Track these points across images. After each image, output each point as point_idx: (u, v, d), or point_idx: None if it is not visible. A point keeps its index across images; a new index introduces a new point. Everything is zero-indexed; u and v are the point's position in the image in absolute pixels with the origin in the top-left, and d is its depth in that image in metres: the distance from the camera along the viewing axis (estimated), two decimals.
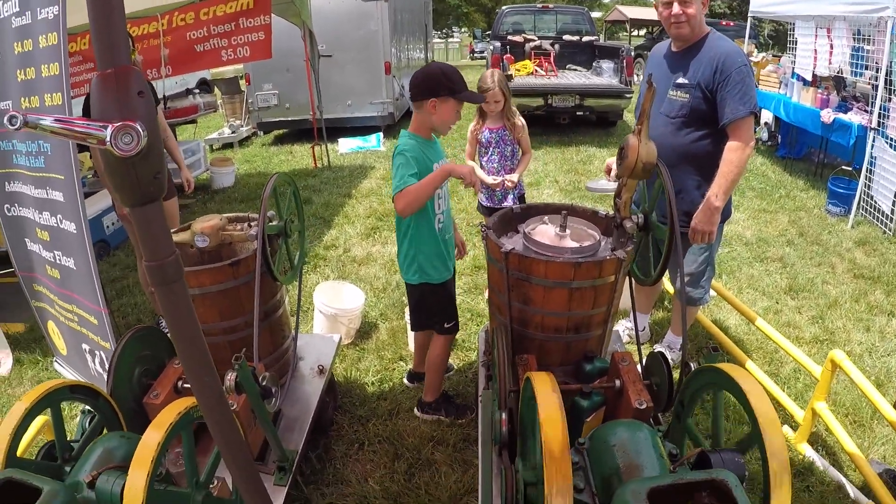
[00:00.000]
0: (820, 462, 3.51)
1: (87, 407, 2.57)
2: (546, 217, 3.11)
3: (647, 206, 2.96)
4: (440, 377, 3.82)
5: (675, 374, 2.60)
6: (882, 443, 3.76)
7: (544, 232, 3.02)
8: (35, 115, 1.00)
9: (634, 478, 1.88)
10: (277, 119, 12.07)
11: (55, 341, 4.34)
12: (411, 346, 4.55)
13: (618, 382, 2.69)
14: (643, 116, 2.66)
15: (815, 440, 3.71)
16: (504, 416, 2.41)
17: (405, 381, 4.18)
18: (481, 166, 5.02)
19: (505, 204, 4.81)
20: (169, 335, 3.24)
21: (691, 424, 2.40)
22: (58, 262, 3.75)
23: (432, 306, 3.57)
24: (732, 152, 3.47)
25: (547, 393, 1.97)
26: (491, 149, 4.92)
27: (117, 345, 2.72)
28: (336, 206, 8.11)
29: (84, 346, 3.91)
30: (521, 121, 4.89)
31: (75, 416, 3.80)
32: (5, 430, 2.17)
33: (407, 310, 4.51)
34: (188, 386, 2.79)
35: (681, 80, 3.61)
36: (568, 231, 2.97)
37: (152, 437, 1.97)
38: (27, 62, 3.47)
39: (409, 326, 4.58)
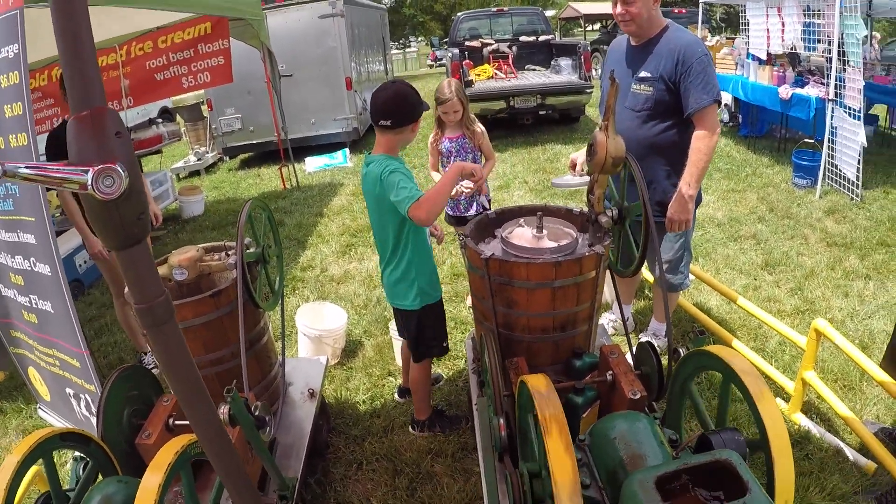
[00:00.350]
0: (816, 429, 3.57)
1: (79, 453, 2.53)
2: (522, 220, 3.12)
3: (623, 200, 2.99)
4: (427, 395, 3.79)
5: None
6: (874, 403, 3.83)
7: (521, 235, 3.03)
8: (12, 164, 0.98)
9: (639, 468, 1.89)
10: (242, 143, 12.00)
11: (37, 387, 4.26)
12: (398, 361, 4.54)
13: (609, 375, 2.70)
14: (608, 112, 2.68)
15: (808, 409, 3.77)
16: (501, 421, 2.41)
17: (396, 396, 4.16)
18: None
19: (470, 212, 4.79)
20: (155, 372, 3.22)
21: (702, 407, 2.41)
22: (34, 306, 3.69)
23: (433, 327, 3.49)
24: (700, 140, 3.52)
25: (544, 394, 1.98)
26: (452, 158, 4.83)
27: (103, 387, 2.68)
28: (309, 226, 8.07)
29: (68, 390, 3.85)
30: (480, 127, 4.83)
31: (65, 462, 3.75)
32: None
33: (392, 325, 4.51)
34: (181, 423, 2.76)
35: (643, 74, 3.65)
36: (545, 231, 2.98)
37: (152, 479, 1.94)
38: None
39: (393, 341, 4.58)
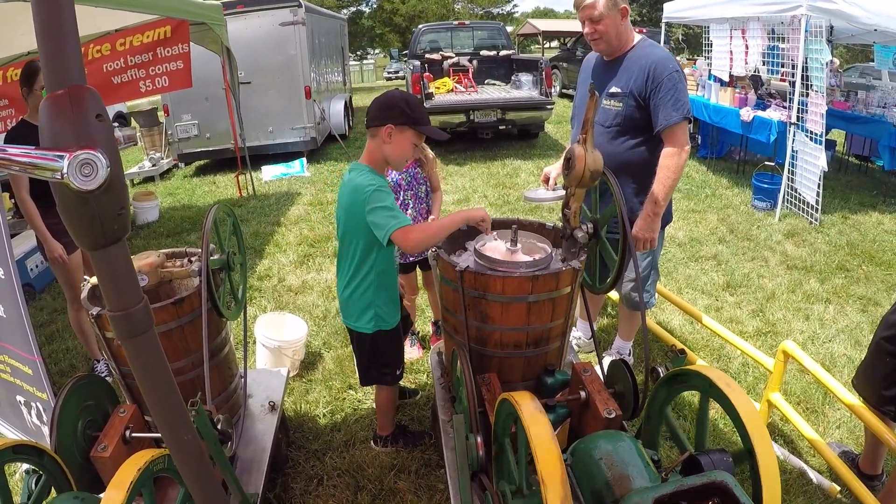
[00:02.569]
0: (780, 451, 3.57)
1: (32, 466, 2.39)
2: (494, 232, 3.06)
3: (595, 215, 2.95)
4: (392, 413, 3.70)
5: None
6: (836, 426, 3.86)
7: (495, 248, 2.97)
8: None
9: (625, 489, 1.85)
10: (198, 149, 11.77)
11: None
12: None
13: (583, 393, 2.65)
14: (587, 125, 2.65)
15: (772, 431, 3.78)
16: (479, 439, 2.34)
17: (371, 443, 3.81)
18: None
19: (419, 257, 4.37)
20: (109, 381, 3.08)
21: (677, 428, 2.38)
22: None
23: (386, 353, 3.33)
24: (668, 158, 3.49)
25: (534, 414, 1.91)
26: (402, 192, 4.21)
27: (58, 397, 2.54)
28: (266, 234, 7.92)
29: (18, 397, 3.68)
30: (431, 153, 4.30)
31: (13, 473, 3.59)
32: None
33: None
34: (137, 436, 2.63)
35: (613, 90, 3.63)
36: (519, 245, 2.93)
37: (114, 497, 1.82)
38: None
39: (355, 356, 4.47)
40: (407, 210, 4.19)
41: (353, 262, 3.11)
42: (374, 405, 4.08)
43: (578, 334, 4.77)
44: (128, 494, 1.85)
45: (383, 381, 3.45)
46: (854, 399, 3.12)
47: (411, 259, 4.37)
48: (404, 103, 2.90)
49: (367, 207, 2.81)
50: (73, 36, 0.89)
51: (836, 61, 11.20)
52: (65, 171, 0.87)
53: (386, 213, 2.79)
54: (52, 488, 2.43)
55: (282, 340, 4.41)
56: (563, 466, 1.71)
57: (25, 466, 2.43)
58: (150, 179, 11.55)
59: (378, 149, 2.97)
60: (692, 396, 4.03)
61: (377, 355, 3.32)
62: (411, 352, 4.66)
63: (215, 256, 2.94)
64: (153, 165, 11.64)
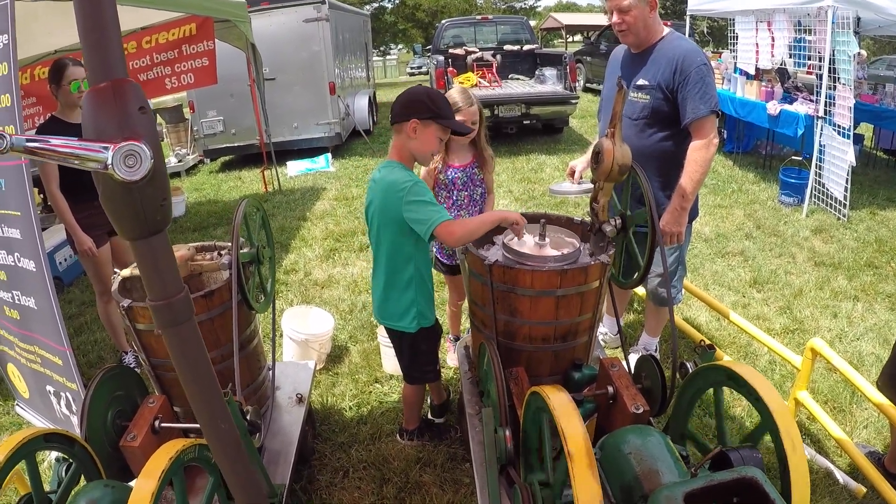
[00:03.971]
0: (806, 451, 3.52)
1: (62, 454, 2.43)
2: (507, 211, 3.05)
3: (624, 209, 2.94)
4: (419, 407, 3.71)
5: None
6: (864, 426, 3.81)
7: (523, 242, 2.96)
8: (19, 136, 0.88)
9: (654, 484, 1.84)
10: (224, 145, 11.85)
11: (16, 384, 4.14)
12: (385, 369, 4.46)
13: (611, 388, 2.64)
14: (615, 119, 2.64)
15: (799, 429, 3.72)
16: (508, 432, 2.35)
17: (397, 436, 3.82)
18: None
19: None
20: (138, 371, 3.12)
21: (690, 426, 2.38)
22: (17, 302, 3.57)
23: (426, 352, 3.34)
24: (696, 151, 3.47)
25: (565, 407, 1.91)
26: (456, 192, 3.96)
27: (88, 387, 2.59)
28: (292, 229, 7.96)
29: (48, 388, 3.74)
30: (491, 152, 4.06)
31: (42, 460, 3.64)
32: None
33: (381, 330, 4.41)
34: (166, 426, 2.67)
35: (641, 82, 3.60)
36: (547, 239, 2.92)
37: (145, 486, 1.85)
38: None
39: (382, 348, 4.49)
40: (459, 210, 3.98)
41: (391, 262, 3.10)
42: (399, 398, 4.10)
43: (605, 330, 4.75)
44: (159, 483, 1.88)
45: (426, 379, 3.47)
46: (882, 398, 3.08)
47: (457, 262, 4.18)
48: (427, 98, 2.88)
49: (405, 203, 2.79)
50: (115, 29, 0.89)
51: (864, 53, 11.02)
52: (109, 162, 0.88)
53: (427, 207, 2.78)
54: (82, 476, 2.46)
55: (309, 333, 4.43)
56: (593, 460, 1.71)
57: (55, 454, 2.47)
58: (175, 175, 11.64)
59: (404, 144, 2.96)
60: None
61: (418, 354, 3.32)
62: (453, 358, 4.58)
63: (245, 250, 2.97)
64: (179, 161, 11.74)
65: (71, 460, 2.42)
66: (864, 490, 3.23)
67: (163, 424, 2.66)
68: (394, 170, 2.93)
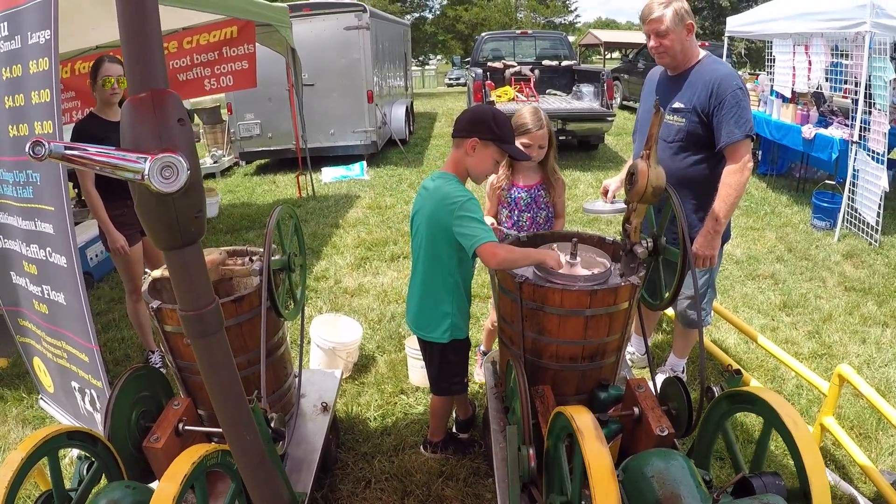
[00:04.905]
0: (831, 477, 3.48)
1: (83, 452, 2.45)
2: (555, 245, 3.04)
3: (656, 231, 2.92)
4: (445, 419, 3.70)
5: None
6: (889, 453, 3.77)
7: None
8: (58, 143, 0.89)
9: None
10: (260, 149, 11.99)
11: (41, 378, 4.19)
12: (412, 380, 4.45)
13: (636, 410, 2.62)
14: (651, 141, 2.63)
15: (824, 455, 3.69)
16: (532, 451, 2.34)
17: (420, 448, 3.81)
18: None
19: None
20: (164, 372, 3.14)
21: (737, 449, 2.35)
22: (46, 296, 3.62)
23: (455, 363, 3.34)
24: (730, 175, 3.45)
25: (589, 429, 1.90)
26: (518, 213, 3.86)
27: (114, 386, 2.60)
28: (324, 236, 8.01)
29: (73, 384, 3.78)
30: (562, 177, 3.96)
31: (63, 456, 3.67)
32: (1, 483, 2.05)
33: (408, 341, 4.42)
34: (190, 429, 2.68)
35: (677, 105, 3.59)
36: (578, 259, 2.91)
37: (167, 489, 1.86)
38: (16, 88, 3.35)
39: (409, 359, 4.48)
40: (519, 232, 3.68)
41: (430, 271, 3.11)
42: (424, 411, 4.10)
43: (632, 349, 4.72)
44: (181, 487, 1.89)
45: (452, 391, 3.45)
46: None
47: None
48: (493, 119, 2.90)
49: (456, 216, 2.80)
50: (157, 40, 0.90)
51: None
52: (146, 173, 0.89)
53: (477, 224, 2.78)
54: (103, 475, 2.48)
55: (336, 342, 4.44)
56: (616, 483, 1.70)
57: (77, 452, 2.49)
58: (210, 176, 11.77)
59: (461, 160, 2.98)
60: (744, 417, 3.96)
61: (447, 365, 3.32)
62: (480, 373, 4.56)
63: (276, 257, 2.98)
64: (214, 162, 11.88)
65: (93, 459, 2.44)
66: None
67: (187, 427, 2.68)
68: (450, 181, 2.95)
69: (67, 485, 2.41)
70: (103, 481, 2.49)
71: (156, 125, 0.91)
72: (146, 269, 4.43)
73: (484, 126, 2.89)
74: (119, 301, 5.93)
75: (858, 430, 3.95)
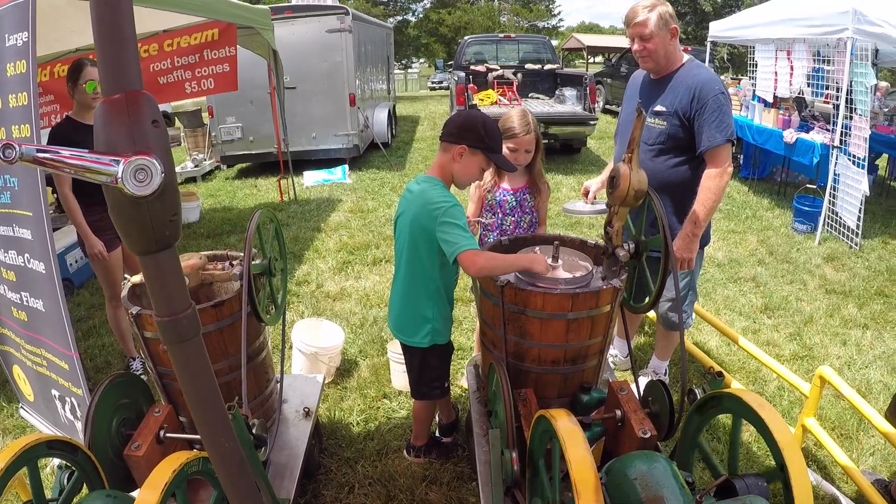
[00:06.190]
0: (812, 477, 3.52)
1: (64, 462, 2.41)
2: (537, 248, 3.04)
3: (637, 233, 2.93)
4: (428, 423, 3.69)
5: None
6: (870, 454, 3.82)
7: None
8: (29, 146, 0.87)
9: None
10: (241, 152, 11.90)
11: (21, 387, 4.12)
12: (395, 384, 4.44)
13: (619, 412, 2.62)
14: (633, 144, 2.64)
15: (806, 455, 3.73)
16: (515, 455, 2.33)
17: (404, 452, 3.79)
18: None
19: None
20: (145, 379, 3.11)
21: (709, 452, 2.36)
22: (25, 303, 3.56)
23: (435, 368, 3.33)
24: (710, 179, 3.48)
25: (572, 432, 1.90)
26: (503, 216, 3.84)
27: (94, 394, 2.57)
28: (305, 240, 7.97)
29: (54, 392, 3.72)
30: (548, 183, 3.96)
31: (44, 466, 3.62)
32: None
33: (391, 345, 4.40)
34: (172, 436, 2.65)
35: (658, 108, 3.62)
36: (560, 262, 2.91)
37: (148, 497, 1.83)
38: None
39: (391, 365, 4.47)
40: (502, 236, 3.62)
41: (413, 275, 3.10)
42: (407, 415, 4.08)
43: (615, 352, 4.73)
44: (162, 495, 1.86)
45: (431, 396, 3.44)
46: (889, 427, 3.08)
47: None
48: (483, 127, 2.90)
49: (440, 221, 2.79)
50: (132, 40, 0.89)
51: (886, 85, 11.04)
52: (119, 175, 0.87)
53: (459, 231, 2.77)
54: (84, 485, 2.44)
55: (318, 346, 4.42)
56: (599, 486, 1.70)
57: (57, 461, 2.45)
58: (192, 180, 11.70)
59: (448, 164, 2.98)
60: (727, 419, 3.98)
61: (428, 370, 3.31)
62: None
63: (257, 261, 2.96)
64: (196, 166, 11.80)
65: (74, 468, 2.40)
66: None
67: (168, 435, 2.64)
68: (435, 186, 2.94)
69: (48, 495, 2.37)
70: (84, 490, 2.46)
71: (129, 127, 0.89)
72: (125, 275, 4.39)
73: (473, 133, 2.89)
74: (99, 307, 5.87)
75: (840, 430, 4.00)
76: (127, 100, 0.89)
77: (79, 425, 3.59)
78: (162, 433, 2.63)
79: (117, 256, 4.44)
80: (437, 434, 3.83)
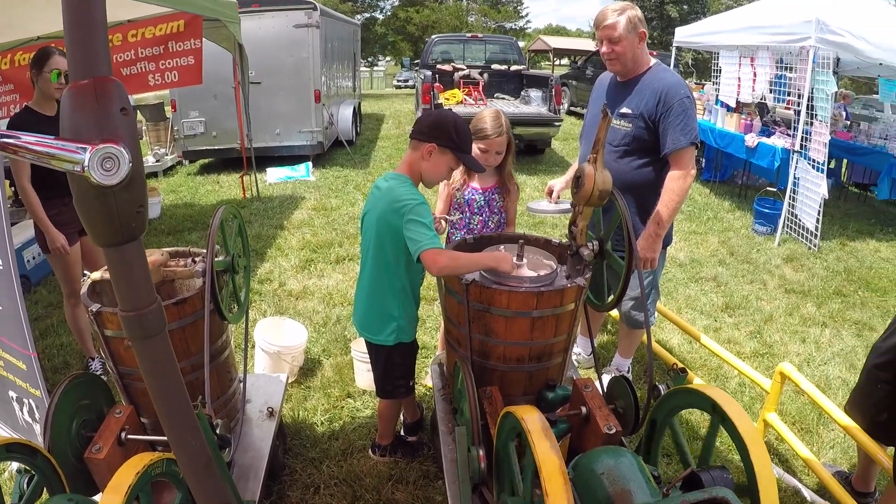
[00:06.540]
0: (775, 470, 3.60)
1: (23, 465, 2.34)
2: (502, 247, 3.04)
3: (603, 233, 2.94)
4: (394, 422, 3.68)
5: None
6: (830, 447, 3.92)
7: None
8: None
9: None
10: (204, 147, 11.69)
11: None
12: (358, 384, 4.41)
13: (584, 409, 2.64)
14: (598, 145, 2.66)
15: (768, 449, 3.77)
16: (482, 452, 2.33)
17: (369, 451, 3.77)
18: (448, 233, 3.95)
19: None
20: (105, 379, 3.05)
21: (684, 444, 2.38)
22: None
23: (400, 366, 3.32)
24: (674, 181, 3.54)
25: (539, 428, 1.91)
26: (471, 215, 3.83)
27: (53, 395, 2.50)
28: (268, 237, 7.89)
29: (11, 393, 3.63)
30: (517, 184, 3.95)
31: (2, 470, 3.54)
32: None
33: (354, 344, 4.37)
34: (133, 437, 2.60)
35: (624, 110, 3.67)
36: (525, 260, 2.91)
37: (111, 501, 1.78)
38: None
39: (355, 364, 4.43)
40: (470, 234, 3.59)
41: (379, 273, 3.09)
42: (372, 414, 4.06)
43: (578, 350, 4.76)
44: (125, 499, 1.82)
45: (396, 395, 3.43)
46: (848, 420, 3.14)
47: None
48: (454, 127, 2.90)
49: (407, 219, 2.77)
50: (102, 25, 0.86)
51: (851, 93, 11.35)
52: (86, 163, 0.84)
53: (424, 229, 2.75)
54: (45, 489, 2.38)
55: (281, 346, 4.38)
56: (567, 480, 1.71)
57: (16, 465, 2.39)
58: (153, 175, 11.47)
59: (417, 162, 2.97)
60: (690, 415, 4.04)
61: (392, 368, 3.30)
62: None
63: (220, 258, 2.91)
64: (157, 161, 11.57)
65: (34, 472, 2.34)
66: None
67: (129, 436, 2.58)
68: (403, 183, 2.93)
69: (8, 500, 2.31)
70: (45, 495, 2.39)
71: (97, 114, 0.86)
72: (85, 272, 4.30)
73: (444, 133, 2.89)
74: (57, 305, 5.73)
75: (800, 425, 4.10)
76: (95, 86, 0.87)
77: (37, 428, 3.50)
78: (123, 435, 2.57)
79: (76, 252, 4.34)
80: (402, 433, 3.82)
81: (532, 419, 1.98)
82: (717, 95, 10.35)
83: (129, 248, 0.94)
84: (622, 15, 3.49)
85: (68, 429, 2.53)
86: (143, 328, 0.99)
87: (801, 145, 7.78)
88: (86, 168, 0.85)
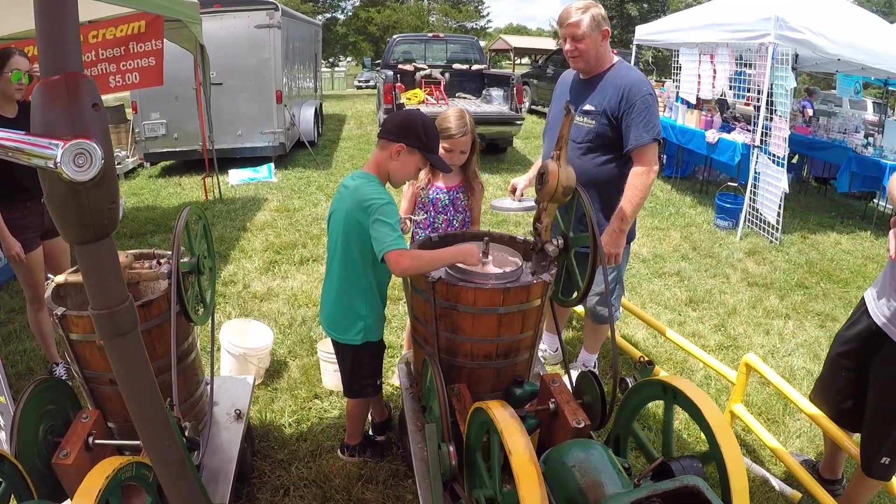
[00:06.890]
0: (744, 461, 3.63)
1: None
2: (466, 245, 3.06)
3: (566, 229, 2.97)
4: (362, 422, 3.67)
5: None
6: (796, 436, 4.00)
7: None
8: None
9: (598, 495, 1.88)
10: (165, 149, 11.51)
11: None
12: (325, 384, 4.40)
13: (552, 404, 2.66)
14: (561, 141, 2.67)
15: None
16: (452, 448, 2.34)
17: (338, 452, 3.75)
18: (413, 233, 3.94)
19: None
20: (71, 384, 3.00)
21: (643, 437, 2.42)
22: None
23: (367, 365, 3.31)
24: (637, 177, 3.59)
25: (509, 421, 1.93)
26: (435, 214, 3.84)
27: (19, 400, 2.46)
28: (231, 240, 7.81)
29: None
30: (482, 183, 3.98)
31: None
32: None
33: (321, 345, 4.36)
34: (101, 442, 2.57)
35: (587, 107, 3.70)
36: (490, 257, 2.93)
37: None
38: None
39: (321, 365, 4.42)
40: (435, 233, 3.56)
41: (346, 273, 3.08)
42: (340, 415, 4.05)
43: (544, 347, 4.80)
44: (96, 503, 1.80)
45: (364, 394, 3.42)
46: (814, 409, 3.21)
47: None
48: (422, 127, 2.92)
49: (373, 219, 2.77)
50: (74, 21, 0.86)
51: (818, 90, 11.60)
52: (59, 159, 0.84)
53: (389, 230, 2.75)
54: (12, 497, 2.34)
55: (247, 347, 4.34)
56: (539, 473, 1.73)
57: None
58: None
59: (385, 162, 2.97)
60: (657, 407, 4.08)
61: (359, 367, 3.29)
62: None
63: (185, 259, 2.88)
64: (118, 164, 11.40)
65: (0, 479, 2.31)
66: (800, 496, 3.40)
67: (97, 441, 2.55)
68: (370, 182, 2.92)
69: None
70: (13, 502, 2.35)
71: (69, 109, 0.85)
72: (48, 275, 4.23)
73: (412, 133, 2.91)
74: (20, 311, 5.62)
75: (766, 416, 4.18)
76: (67, 81, 0.86)
77: (2, 434, 3.45)
78: (91, 440, 2.53)
79: (38, 257, 4.26)
80: (370, 433, 3.81)
81: (502, 413, 2.00)
82: (678, 92, 10.47)
83: (101, 245, 0.94)
84: (586, 13, 3.53)
85: (35, 435, 2.50)
86: (116, 326, 0.99)
87: (762, 140, 7.92)
88: (58, 164, 0.84)
